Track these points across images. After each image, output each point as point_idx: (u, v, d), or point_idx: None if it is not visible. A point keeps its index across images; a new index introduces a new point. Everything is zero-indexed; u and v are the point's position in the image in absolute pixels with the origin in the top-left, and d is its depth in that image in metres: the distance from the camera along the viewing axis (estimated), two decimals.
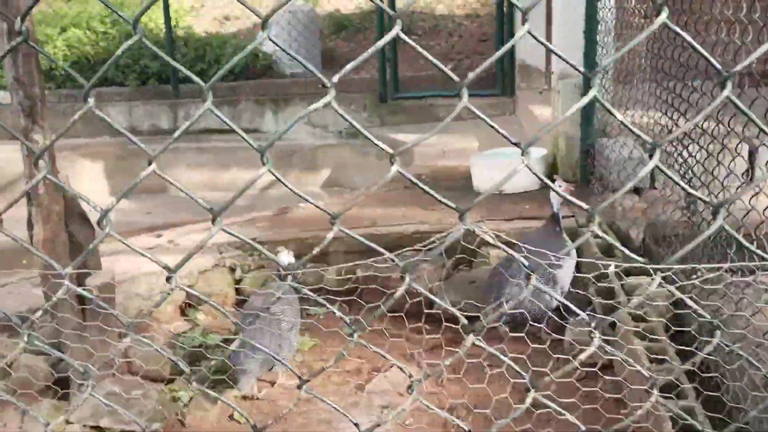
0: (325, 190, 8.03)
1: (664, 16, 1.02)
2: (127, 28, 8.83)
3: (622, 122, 1.11)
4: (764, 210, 2.70)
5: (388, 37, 1.05)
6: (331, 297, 4.19)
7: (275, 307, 3.32)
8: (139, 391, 3.22)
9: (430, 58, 1.13)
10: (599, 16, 4.54)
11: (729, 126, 3.85)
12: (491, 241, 1.37)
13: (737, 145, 3.86)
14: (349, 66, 1.03)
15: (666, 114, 3.65)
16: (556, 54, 1.04)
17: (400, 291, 1.13)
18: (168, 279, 1.22)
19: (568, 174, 4.92)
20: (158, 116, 8.29)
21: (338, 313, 1.32)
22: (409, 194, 5.14)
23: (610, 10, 4.55)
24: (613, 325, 3.21)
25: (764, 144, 3.04)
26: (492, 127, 1.10)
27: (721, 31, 3.08)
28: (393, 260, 1.39)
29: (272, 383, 3.43)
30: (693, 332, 3.06)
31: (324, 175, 8.14)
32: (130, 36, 1.04)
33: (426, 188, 1.12)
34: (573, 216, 4.26)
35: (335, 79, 1.01)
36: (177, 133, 1.13)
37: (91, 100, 1.14)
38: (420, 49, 1.11)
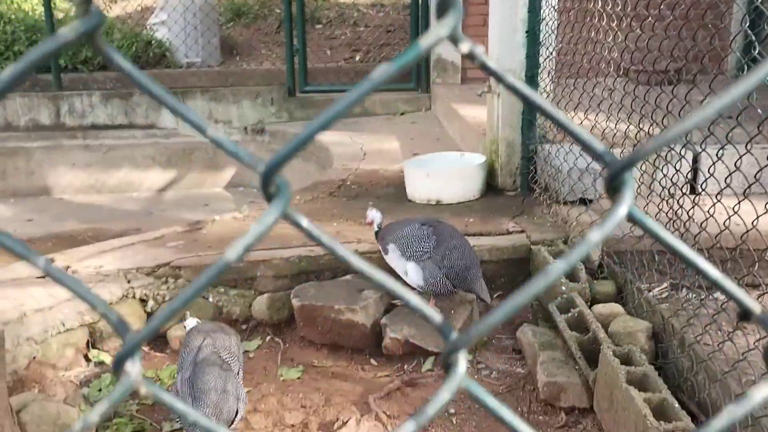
0: (230, 191, 7.42)
1: None
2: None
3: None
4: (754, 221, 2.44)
5: None
6: (262, 329, 3.73)
7: (220, 345, 2.74)
8: None
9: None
10: (542, 14, 4.23)
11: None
12: None
13: (681, 149, 3.66)
14: None
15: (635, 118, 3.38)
16: None
17: None
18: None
19: (507, 182, 4.61)
20: (38, 110, 7.38)
21: None
22: (338, 204, 4.68)
23: (552, 8, 4.26)
24: (592, 361, 2.90)
25: (706, 151, 2.83)
26: None
27: None
28: None
29: None
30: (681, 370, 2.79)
31: (227, 174, 7.52)
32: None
33: None
34: (523, 232, 3.95)
35: None
36: None
37: None
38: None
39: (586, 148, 0.56)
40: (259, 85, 7.59)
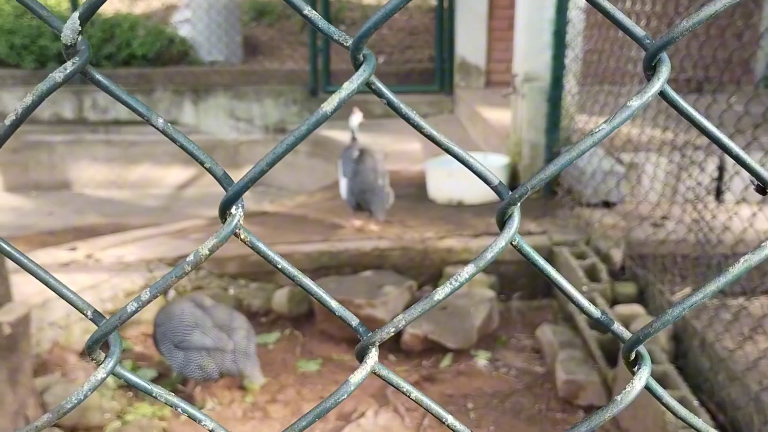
0: (250, 191, 7.45)
1: None
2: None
3: None
4: None
5: None
6: (282, 322, 3.74)
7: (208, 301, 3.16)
8: None
9: None
10: (569, 16, 4.22)
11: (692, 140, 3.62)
12: None
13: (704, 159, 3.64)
14: None
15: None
16: None
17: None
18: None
19: None
20: (61, 104, 7.46)
21: None
22: None
23: (580, 9, 4.25)
24: (612, 360, 2.88)
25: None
26: None
27: None
28: None
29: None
30: (701, 371, 2.77)
31: None
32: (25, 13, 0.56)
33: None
34: (545, 233, 3.94)
35: None
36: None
37: None
38: None
39: (478, 175, 0.59)
40: (282, 85, 7.63)
